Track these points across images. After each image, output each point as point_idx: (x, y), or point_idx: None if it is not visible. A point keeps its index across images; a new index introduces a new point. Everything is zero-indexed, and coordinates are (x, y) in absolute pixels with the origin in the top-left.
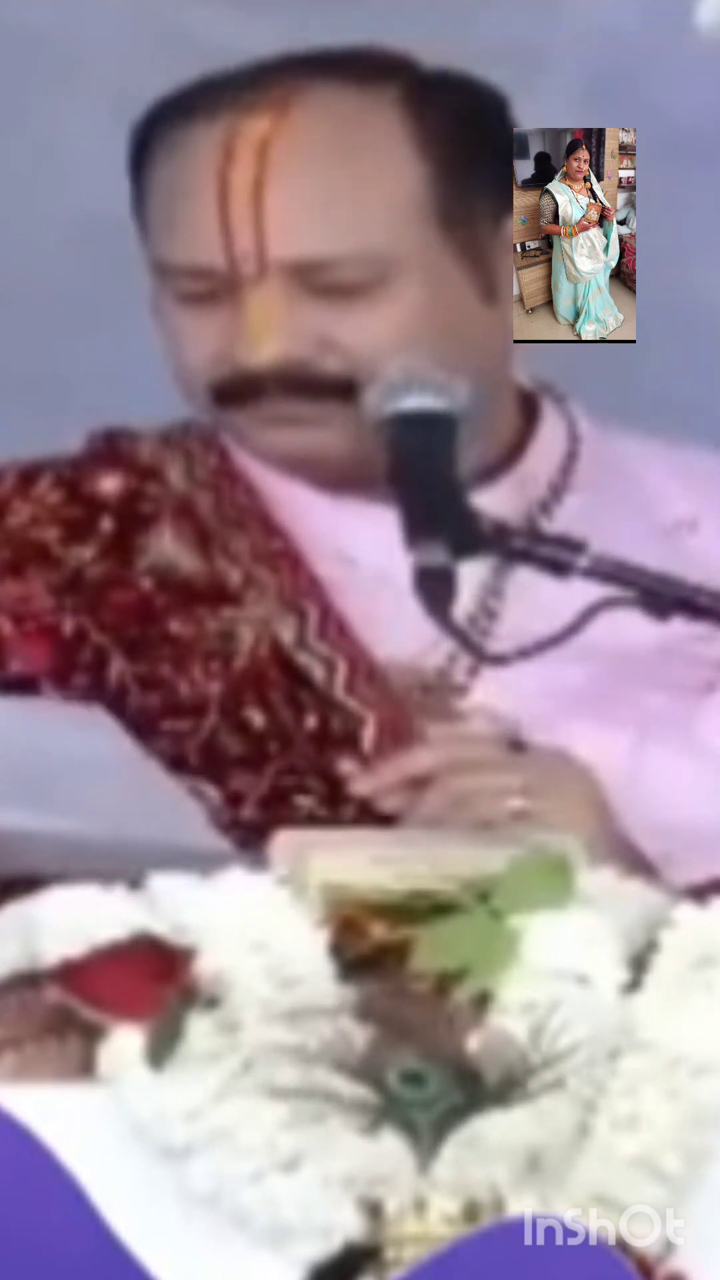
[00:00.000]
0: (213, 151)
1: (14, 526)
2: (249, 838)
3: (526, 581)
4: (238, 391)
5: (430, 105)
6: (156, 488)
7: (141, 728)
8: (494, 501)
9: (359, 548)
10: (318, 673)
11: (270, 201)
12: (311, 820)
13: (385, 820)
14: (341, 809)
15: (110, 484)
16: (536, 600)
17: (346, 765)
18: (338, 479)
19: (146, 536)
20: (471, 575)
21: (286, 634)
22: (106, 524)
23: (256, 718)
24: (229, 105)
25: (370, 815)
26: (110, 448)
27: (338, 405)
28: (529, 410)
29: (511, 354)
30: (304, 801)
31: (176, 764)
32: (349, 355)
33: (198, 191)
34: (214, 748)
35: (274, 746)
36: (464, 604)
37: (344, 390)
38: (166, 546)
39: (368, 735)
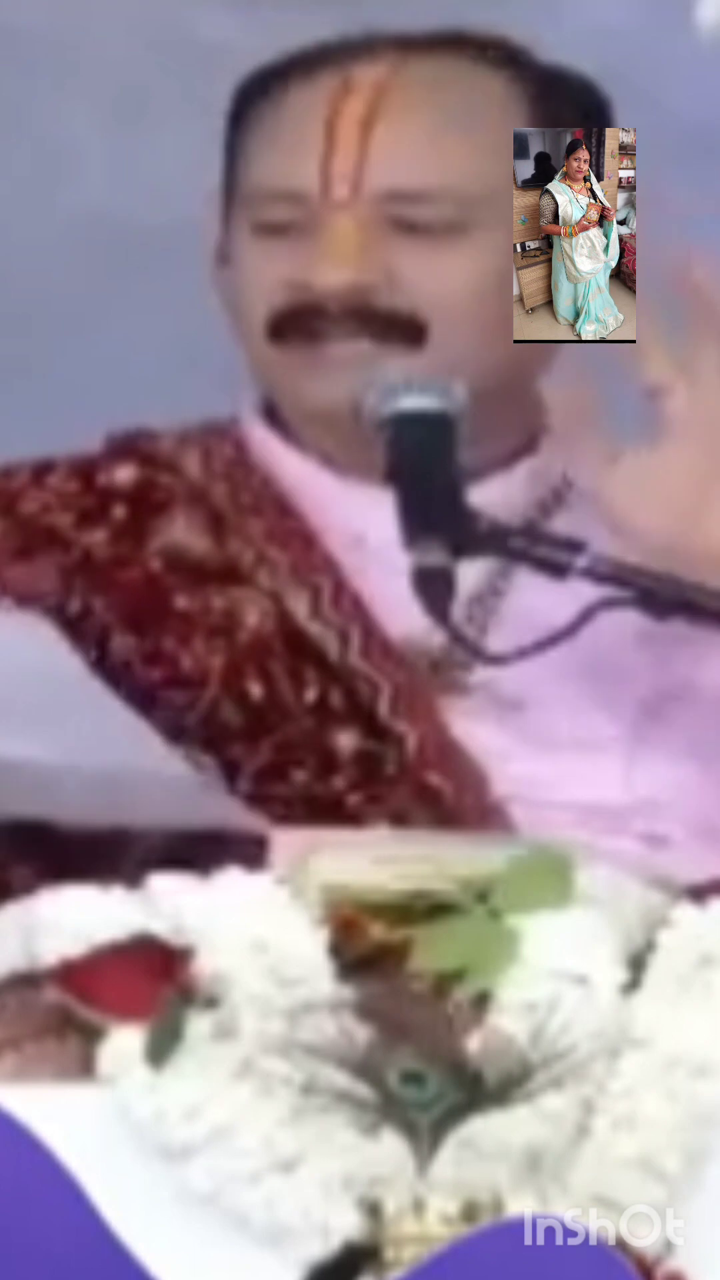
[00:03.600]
0: (328, 90)
1: (26, 514)
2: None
3: (528, 575)
4: (299, 321)
5: (542, 91)
6: (171, 478)
7: (141, 700)
8: (507, 489)
9: (369, 528)
10: (332, 642)
11: (377, 133)
12: (305, 795)
13: (377, 787)
14: (333, 782)
15: (125, 474)
16: (538, 593)
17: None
18: (359, 449)
19: (158, 522)
20: (476, 566)
21: (300, 606)
22: (119, 511)
23: (256, 690)
24: (349, 58)
25: (361, 786)
26: (128, 444)
27: (397, 348)
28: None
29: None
30: (299, 775)
31: (174, 735)
32: (415, 294)
33: (306, 123)
34: (213, 720)
35: (272, 719)
36: (468, 591)
37: (405, 330)
38: (178, 531)
39: (383, 702)
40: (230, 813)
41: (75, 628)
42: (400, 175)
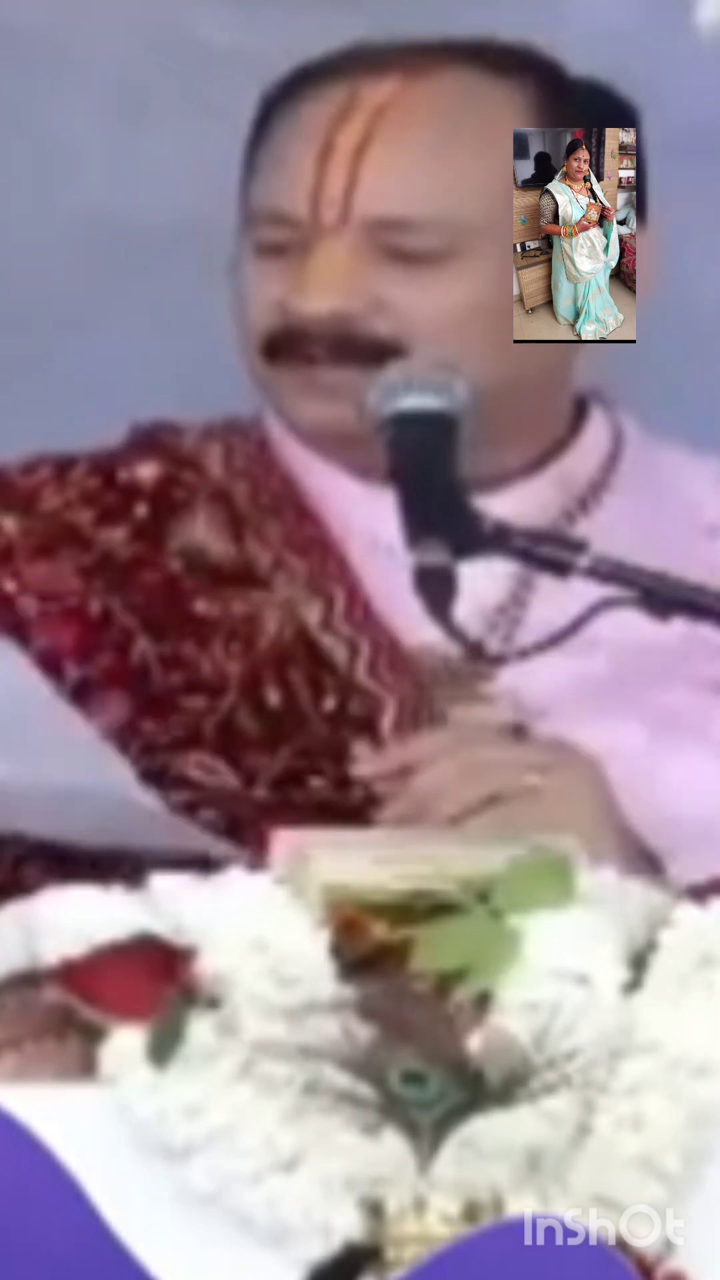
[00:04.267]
0: (333, 107)
1: (47, 510)
2: (260, 816)
3: (551, 584)
4: (286, 345)
5: (561, 106)
6: (193, 476)
7: (160, 706)
8: (532, 495)
9: (391, 533)
10: (341, 655)
11: (370, 158)
12: (322, 802)
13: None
14: (351, 791)
15: (147, 471)
16: (563, 600)
17: (359, 749)
18: (367, 461)
19: (179, 521)
20: (500, 573)
21: (312, 617)
22: (141, 509)
23: (274, 698)
24: (362, 70)
25: (378, 797)
26: (151, 439)
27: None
28: (577, 412)
29: (571, 356)
30: (316, 783)
31: (192, 741)
32: (400, 322)
33: (304, 143)
34: (230, 726)
35: (290, 727)
36: (494, 599)
37: (387, 357)
38: (199, 532)
39: (387, 719)
40: (189, 838)
41: (95, 630)
42: (390, 203)
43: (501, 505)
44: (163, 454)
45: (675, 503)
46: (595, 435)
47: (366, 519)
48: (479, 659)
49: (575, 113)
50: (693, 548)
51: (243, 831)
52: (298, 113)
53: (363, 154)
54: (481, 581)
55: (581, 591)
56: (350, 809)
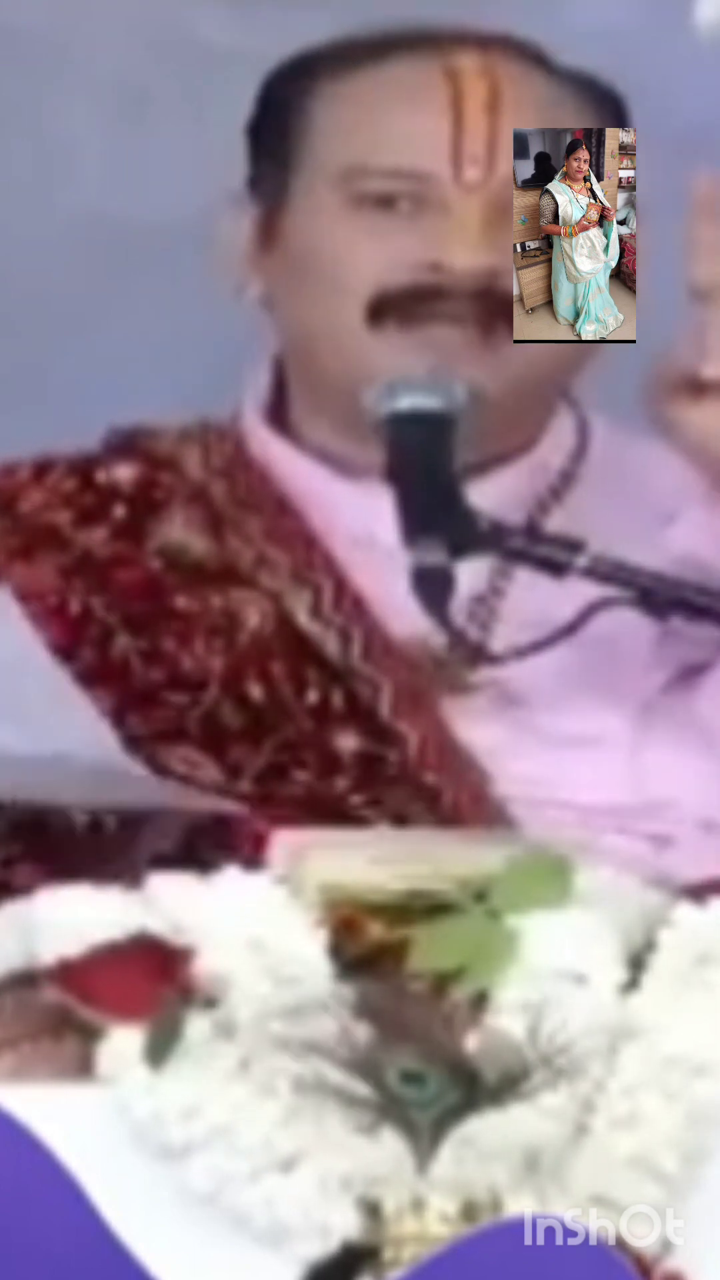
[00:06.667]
0: (430, 74)
1: (26, 512)
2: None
3: (529, 575)
4: (413, 300)
5: (567, 91)
6: (171, 476)
7: (142, 701)
8: (504, 485)
9: (375, 527)
10: (333, 642)
11: (503, 117)
12: (306, 795)
13: (378, 788)
14: (335, 783)
15: (125, 472)
16: (541, 591)
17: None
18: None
19: (158, 521)
20: (478, 564)
21: (301, 606)
22: (119, 510)
23: (256, 692)
24: (437, 42)
25: (362, 787)
26: (129, 441)
27: (503, 334)
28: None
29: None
30: (300, 775)
31: (176, 736)
32: None
33: (417, 104)
34: (213, 721)
35: (273, 720)
36: (470, 590)
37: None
38: (177, 530)
39: (384, 701)
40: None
41: (76, 628)
42: None
43: (478, 494)
44: (140, 456)
45: (640, 492)
46: (562, 427)
47: (352, 515)
48: (476, 658)
49: (579, 93)
50: (665, 534)
51: (228, 825)
52: (385, 75)
53: (495, 114)
54: (459, 571)
55: (561, 581)
56: (334, 800)
